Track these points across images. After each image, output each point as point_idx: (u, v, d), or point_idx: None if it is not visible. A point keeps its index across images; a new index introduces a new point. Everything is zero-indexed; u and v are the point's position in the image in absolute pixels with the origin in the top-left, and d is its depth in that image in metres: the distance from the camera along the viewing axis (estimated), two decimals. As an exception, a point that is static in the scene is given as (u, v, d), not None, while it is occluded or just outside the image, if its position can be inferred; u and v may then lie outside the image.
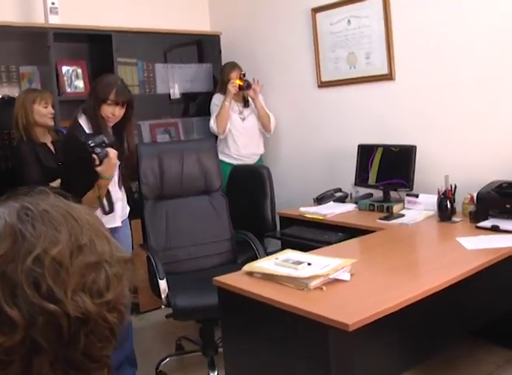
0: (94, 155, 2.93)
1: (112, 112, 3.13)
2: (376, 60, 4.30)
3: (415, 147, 3.94)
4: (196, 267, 3.74)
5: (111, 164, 3.00)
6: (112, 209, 3.18)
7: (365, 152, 4.28)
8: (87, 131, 3.11)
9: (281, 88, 5.11)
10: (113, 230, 3.14)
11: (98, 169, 2.95)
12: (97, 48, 4.75)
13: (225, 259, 3.87)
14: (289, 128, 5.11)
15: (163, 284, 3.34)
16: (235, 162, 4.81)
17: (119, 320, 0.84)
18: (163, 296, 3.33)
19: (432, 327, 2.81)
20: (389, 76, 4.25)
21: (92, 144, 2.94)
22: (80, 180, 3.05)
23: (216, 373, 3.44)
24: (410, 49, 4.11)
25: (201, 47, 5.44)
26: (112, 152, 2.99)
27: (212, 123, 4.82)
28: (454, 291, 2.53)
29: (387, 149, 4.13)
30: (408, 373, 3.19)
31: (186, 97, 5.37)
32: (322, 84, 4.74)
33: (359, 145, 4.32)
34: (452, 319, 2.96)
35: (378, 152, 4.18)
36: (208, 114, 4.96)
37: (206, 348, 3.64)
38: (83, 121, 3.16)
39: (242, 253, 3.85)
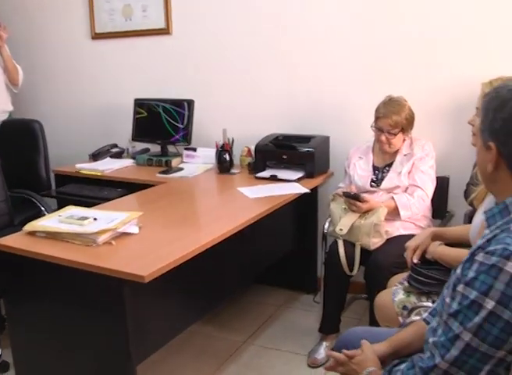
0: None
1: None
2: (153, 13, 4.24)
3: (193, 101, 3.99)
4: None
5: None
6: None
7: (142, 106, 4.24)
8: None
9: (53, 39, 4.83)
10: None
11: None
12: None
13: (1, 223, 3.56)
14: (63, 81, 4.87)
15: None
16: None
17: None
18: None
19: (221, 275, 2.91)
20: (166, 31, 4.21)
21: None
22: None
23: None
24: (188, 4, 4.11)
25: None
26: None
27: None
28: (239, 237, 2.63)
29: (165, 103, 4.12)
30: (200, 320, 3.29)
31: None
32: (96, 36, 4.57)
33: (135, 99, 4.26)
34: (239, 265, 3.10)
35: (155, 106, 4.15)
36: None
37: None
38: None
39: (18, 214, 3.64)
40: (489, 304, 1.24)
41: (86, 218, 2.48)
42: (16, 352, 2.62)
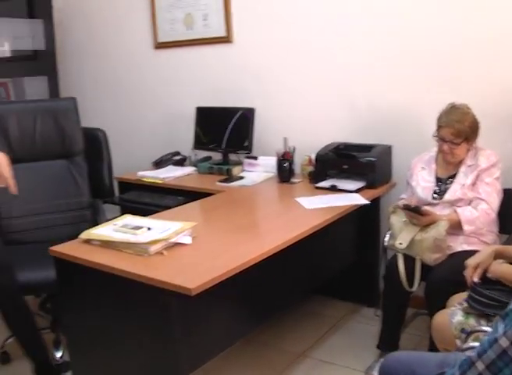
0: None
1: None
2: (213, 22, 4.24)
3: (254, 109, 3.96)
4: (49, 238, 3.29)
5: None
6: None
7: (203, 115, 4.25)
8: None
9: (116, 49, 4.92)
10: None
11: None
12: None
13: (84, 229, 3.59)
14: (126, 90, 4.95)
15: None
16: None
17: None
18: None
19: (276, 287, 2.85)
20: (226, 39, 4.20)
21: None
22: None
23: (61, 352, 3.22)
24: (248, 12, 4.09)
25: (31, 1, 5.07)
26: None
27: None
28: (296, 249, 2.57)
29: (226, 112, 4.11)
30: (253, 332, 3.25)
31: (17, 55, 4.99)
32: (159, 46, 4.62)
33: (197, 108, 4.28)
34: (295, 278, 3.04)
35: (217, 115, 4.15)
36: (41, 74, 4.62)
37: (53, 325, 3.39)
38: None
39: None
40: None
41: (140, 227, 2.48)
42: (71, 355, 2.68)
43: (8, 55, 4.83)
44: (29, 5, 5.04)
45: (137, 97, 4.88)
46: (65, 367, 3.15)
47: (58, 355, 3.24)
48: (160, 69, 4.68)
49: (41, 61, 5.00)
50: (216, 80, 4.35)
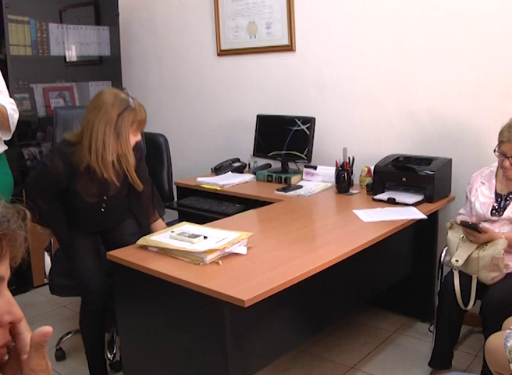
0: None
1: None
2: (277, 31, 4.25)
3: (314, 118, 3.95)
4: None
5: None
6: None
7: (264, 123, 4.26)
8: None
9: (179, 55, 4.99)
10: None
11: None
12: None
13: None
14: (188, 96, 5.01)
15: (47, 258, 3.23)
16: None
17: None
18: (46, 270, 3.20)
19: (330, 299, 2.84)
20: (289, 47, 4.21)
21: None
22: None
23: (114, 352, 3.30)
24: (311, 21, 4.08)
25: (98, 8, 5.21)
26: None
27: None
28: (350, 262, 2.56)
29: (286, 120, 4.11)
30: (305, 343, 3.25)
31: (83, 60, 5.13)
32: (222, 53, 4.65)
33: (258, 115, 4.29)
34: (349, 290, 3.02)
35: (278, 123, 4.16)
36: (105, 79, 4.75)
37: (108, 325, 3.45)
38: None
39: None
40: None
41: (197, 236, 2.50)
42: (124, 356, 2.74)
43: (74, 59, 4.95)
44: (96, 13, 5.17)
45: (199, 103, 4.93)
46: (117, 367, 3.22)
47: (112, 354, 3.31)
48: (222, 76, 4.72)
49: (106, 66, 5.15)
50: (278, 88, 4.36)
